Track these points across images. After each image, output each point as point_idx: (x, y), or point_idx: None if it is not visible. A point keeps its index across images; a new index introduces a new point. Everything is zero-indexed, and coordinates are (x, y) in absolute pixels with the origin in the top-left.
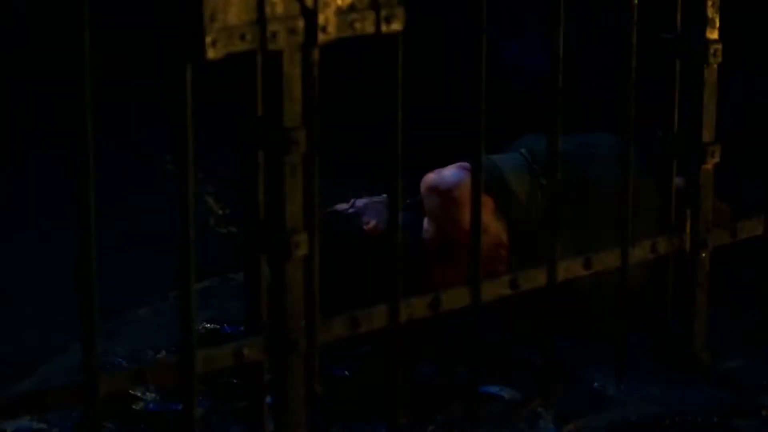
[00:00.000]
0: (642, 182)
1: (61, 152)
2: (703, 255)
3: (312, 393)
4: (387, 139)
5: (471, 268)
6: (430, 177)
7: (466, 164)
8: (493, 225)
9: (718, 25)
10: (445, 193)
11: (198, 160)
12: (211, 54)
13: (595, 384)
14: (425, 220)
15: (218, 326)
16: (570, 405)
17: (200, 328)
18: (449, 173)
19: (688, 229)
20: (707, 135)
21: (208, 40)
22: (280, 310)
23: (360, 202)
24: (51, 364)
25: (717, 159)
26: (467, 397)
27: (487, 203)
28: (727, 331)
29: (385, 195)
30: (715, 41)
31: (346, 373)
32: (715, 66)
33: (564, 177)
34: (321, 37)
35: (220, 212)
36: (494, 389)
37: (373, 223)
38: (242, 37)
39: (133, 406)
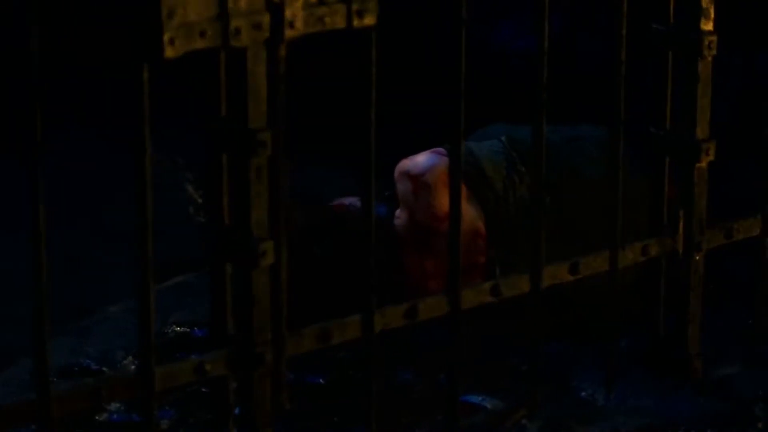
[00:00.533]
0: (631, 180)
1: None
2: (697, 257)
3: (280, 409)
4: (361, 136)
5: (450, 276)
6: (404, 163)
7: (440, 149)
8: (466, 211)
9: (713, 15)
10: (416, 178)
11: (178, 146)
12: (169, 53)
13: (583, 393)
14: (399, 209)
15: (188, 329)
16: (556, 416)
17: (169, 330)
18: (422, 158)
19: (681, 231)
20: (701, 132)
21: (166, 38)
22: (246, 321)
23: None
24: (17, 366)
25: (711, 157)
26: (447, 407)
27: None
28: (721, 336)
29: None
30: (709, 33)
31: (321, 381)
32: (710, 59)
33: (548, 168)
34: (288, 33)
35: (200, 200)
36: (476, 398)
37: (339, 201)
38: (203, 34)
39: (96, 417)
